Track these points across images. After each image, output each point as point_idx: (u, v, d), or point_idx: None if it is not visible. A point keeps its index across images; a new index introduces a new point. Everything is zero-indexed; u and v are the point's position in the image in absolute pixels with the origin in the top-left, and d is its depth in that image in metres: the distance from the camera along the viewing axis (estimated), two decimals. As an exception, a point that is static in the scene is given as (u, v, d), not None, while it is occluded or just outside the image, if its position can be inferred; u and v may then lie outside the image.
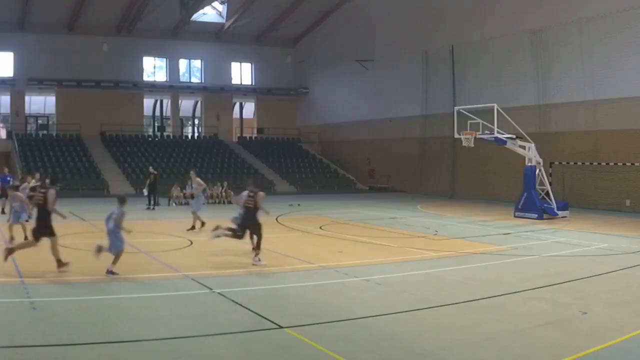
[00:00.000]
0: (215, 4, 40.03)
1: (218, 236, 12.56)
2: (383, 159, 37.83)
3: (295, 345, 6.87)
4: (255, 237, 12.07)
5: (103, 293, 9.14)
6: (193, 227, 16.57)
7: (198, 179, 17.60)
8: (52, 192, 10.71)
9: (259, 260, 11.69)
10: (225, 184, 28.68)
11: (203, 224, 16.46)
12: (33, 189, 15.46)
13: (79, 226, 18.04)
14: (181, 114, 44.88)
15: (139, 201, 24.58)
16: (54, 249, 10.57)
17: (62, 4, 35.44)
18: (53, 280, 9.93)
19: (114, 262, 10.35)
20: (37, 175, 19.57)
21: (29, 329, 7.14)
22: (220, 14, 40.97)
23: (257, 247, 11.93)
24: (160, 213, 23.17)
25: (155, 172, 25.37)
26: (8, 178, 21.28)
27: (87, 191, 30.54)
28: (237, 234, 12.25)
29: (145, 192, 24.89)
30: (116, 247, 10.33)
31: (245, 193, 12.52)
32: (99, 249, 10.50)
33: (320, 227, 17.88)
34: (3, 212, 20.24)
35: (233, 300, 8.74)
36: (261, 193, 12.25)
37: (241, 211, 12.37)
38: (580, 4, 25.73)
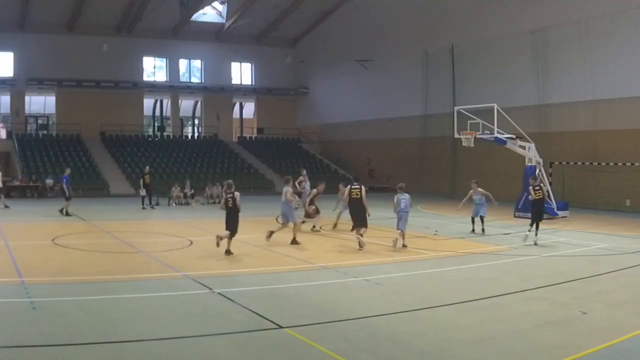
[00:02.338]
0: (215, 4, 39.99)
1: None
2: (383, 159, 37.78)
3: (295, 345, 6.86)
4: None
5: (103, 293, 9.12)
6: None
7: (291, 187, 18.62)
8: (363, 188, 13.83)
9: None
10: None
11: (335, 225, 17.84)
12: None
13: (79, 226, 18.06)
14: (181, 114, 44.85)
15: (139, 201, 24.58)
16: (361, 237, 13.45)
17: (62, 4, 35.41)
18: (53, 280, 9.93)
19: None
20: (304, 172, 20.47)
21: (29, 329, 7.13)
22: (220, 14, 40.94)
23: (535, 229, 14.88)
24: (160, 213, 23.17)
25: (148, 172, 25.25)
26: (67, 178, 21.51)
27: (87, 191, 30.50)
28: None
29: (142, 192, 24.71)
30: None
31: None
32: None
33: (320, 227, 17.87)
34: (68, 214, 20.25)
35: (233, 300, 8.73)
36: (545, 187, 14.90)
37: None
38: (580, 4, 25.71)
